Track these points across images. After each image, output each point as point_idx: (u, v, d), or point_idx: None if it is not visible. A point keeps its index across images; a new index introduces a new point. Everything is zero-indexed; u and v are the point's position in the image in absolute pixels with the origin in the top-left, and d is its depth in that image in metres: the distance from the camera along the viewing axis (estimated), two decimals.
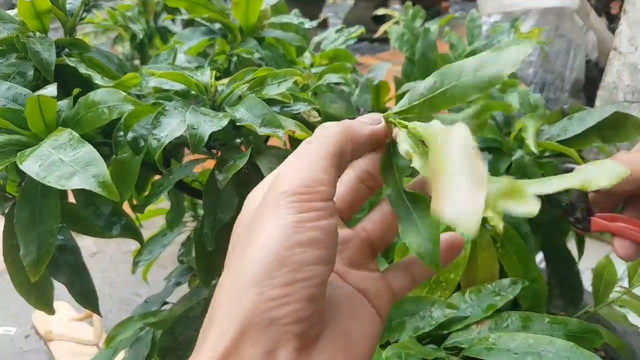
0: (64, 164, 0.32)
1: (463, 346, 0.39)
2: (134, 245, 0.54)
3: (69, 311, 1.24)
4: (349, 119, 0.27)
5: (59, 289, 0.44)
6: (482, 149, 0.48)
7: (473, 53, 0.82)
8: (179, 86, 0.42)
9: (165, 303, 0.64)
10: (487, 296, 0.42)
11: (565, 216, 0.42)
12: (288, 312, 0.23)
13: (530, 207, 0.19)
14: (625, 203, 0.40)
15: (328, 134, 0.27)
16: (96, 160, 0.32)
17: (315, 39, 0.73)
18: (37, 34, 0.46)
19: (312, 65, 0.65)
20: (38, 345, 1.19)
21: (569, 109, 0.47)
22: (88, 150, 0.33)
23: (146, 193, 0.49)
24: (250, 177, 0.44)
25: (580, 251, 0.50)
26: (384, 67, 0.68)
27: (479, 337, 0.39)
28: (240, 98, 0.43)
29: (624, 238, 0.38)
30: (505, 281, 0.42)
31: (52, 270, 0.44)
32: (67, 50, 0.47)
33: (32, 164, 0.32)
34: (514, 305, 0.45)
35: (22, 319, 1.25)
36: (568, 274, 0.51)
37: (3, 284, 1.35)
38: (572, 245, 0.51)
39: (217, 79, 0.45)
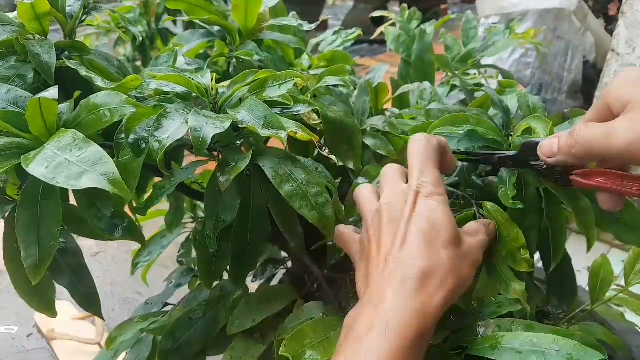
0: (71, 164, 0.31)
1: (466, 345, 0.40)
2: (135, 245, 0.54)
3: (71, 310, 1.24)
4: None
5: (61, 287, 0.44)
6: (482, 148, 0.49)
7: (469, 55, 0.82)
8: (179, 88, 0.42)
9: (166, 304, 0.64)
10: (491, 305, 0.43)
11: (543, 178, 0.43)
12: None
13: None
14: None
15: None
16: (104, 158, 0.32)
17: (313, 41, 0.73)
18: (37, 36, 0.46)
19: (310, 67, 0.65)
20: (40, 344, 1.19)
21: (570, 112, 0.47)
22: (95, 150, 0.32)
23: (146, 195, 0.49)
24: (251, 179, 0.44)
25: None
26: (382, 69, 0.68)
27: (483, 337, 0.39)
28: (241, 100, 0.43)
29: (605, 191, 0.39)
30: (509, 298, 0.43)
31: (54, 273, 0.44)
32: (67, 52, 0.47)
33: (38, 166, 0.32)
34: None
35: (24, 318, 1.25)
36: (562, 271, 0.51)
37: (5, 284, 1.35)
38: (569, 243, 0.51)
39: (217, 81, 0.45)
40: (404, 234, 0.38)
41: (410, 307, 0.35)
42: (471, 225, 0.44)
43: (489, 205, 0.46)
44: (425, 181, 0.40)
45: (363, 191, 0.45)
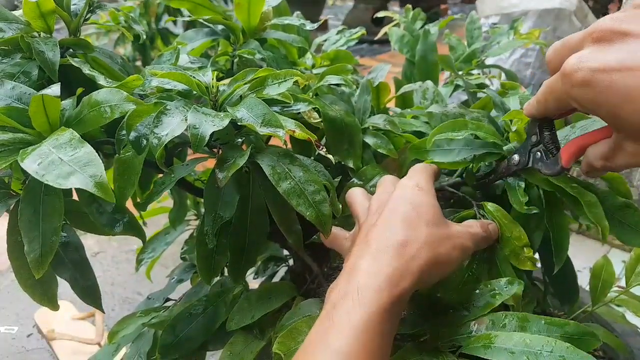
0: (63, 163, 0.32)
1: (460, 344, 0.40)
2: (135, 245, 0.55)
3: (71, 310, 1.25)
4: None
5: (62, 287, 0.45)
6: (484, 153, 0.49)
7: (473, 54, 0.82)
8: (180, 86, 0.43)
9: (168, 300, 0.64)
10: (484, 294, 0.43)
11: (536, 166, 0.43)
12: None
13: None
14: None
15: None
16: (94, 160, 0.32)
17: (317, 41, 0.74)
18: (42, 34, 0.47)
19: (313, 67, 0.66)
20: (40, 344, 1.20)
21: (572, 117, 0.47)
22: (87, 151, 0.33)
23: (149, 191, 0.50)
24: (250, 176, 0.44)
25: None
26: (384, 69, 0.68)
27: (476, 335, 0.39)
28: (241, 98, 0.43)
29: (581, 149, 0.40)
30: (502, 280, 0.43)
31: (56, 267, 0.45)
32: (71, 50, 0.48)
33: (31, 162, 0.32)
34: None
35: (24, 318, 1.26)
36: (564, 272, 0.51)
37: (5, 283, 1.36)
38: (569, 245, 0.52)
39: (220, 79, 0.45)
40: (387, 216, 0.40)
41: (383, 273, 0.36)
42: (466, 221, 0.45)
43: (489, 205, 0.46)
44: (414, 180, 0.44)
45: (355, 192, 0.48)
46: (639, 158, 0.34)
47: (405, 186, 0.43)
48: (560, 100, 0.36)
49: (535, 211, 0.45)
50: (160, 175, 0.48)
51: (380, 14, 0.98)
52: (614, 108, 0.32)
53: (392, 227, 0.39)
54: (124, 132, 0.39)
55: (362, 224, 0.43)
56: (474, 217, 0.47)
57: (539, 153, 0.43)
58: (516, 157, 0.45)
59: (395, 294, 0.36)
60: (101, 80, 0.42)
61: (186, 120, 0.36)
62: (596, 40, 0.32)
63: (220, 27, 0.61)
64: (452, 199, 0.54)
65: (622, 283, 0.60)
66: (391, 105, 0.72)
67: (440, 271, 0.40)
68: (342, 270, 0.40)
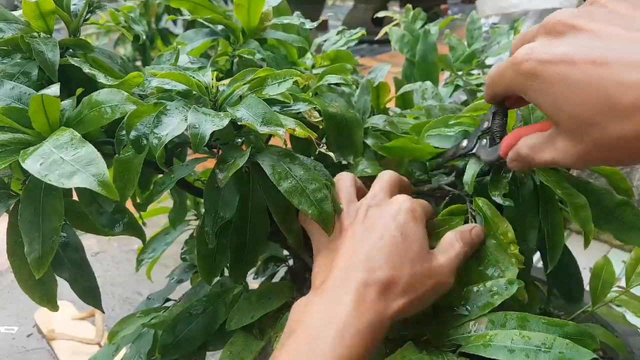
0: (65, 162, 0.32)
1: (460, 343, 0.40)
2: (135, 245, 0.55)
3: (71, 310, 1.25)
4: None
5: (62, 287, 0.45)
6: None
7: (473, 54, 0.82)
8: (180, 86, 0.43)
9: (168, 300, 0.64)
10: (484, 294, 0.43)
11: (478, 152, 0.44)
12: None
13: None
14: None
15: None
16: (97, 159, 0.32)
17: (317, 41, 0.74)
18: (42, 34, 0.47)
19: (313, 67, 0.66)
20: (40, 344, 1.19)
21: None
22: (89, 150, 0.33)
23: (149, 191, 0.50)
24: (250, 176, 0.44)
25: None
26: (384, 69, 0.68)
27: (476, 335, 0.39)
28: (240, 98, 0.43)
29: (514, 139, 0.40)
30: (502, 281, 0.43)
31: (56, 267, 0.44)
32: (70, 50, 0.48)
33: (33, 163, 0.32)
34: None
35: (24, 318, 1.26)
36: (568, 271, 0.51)
37: (5, 283, 1.36)
38: (570, 243, 0.51)
39: (220, 79, 0.45)
40: (377, 239, 0.40)
41: (366, 317, 0.37)
42: (447, 237, 0.44)
43: (479, 200, 0.46)
44: (410, 203, 0.43)
45: (345, 179, 0.48)
46: (566, 156, 0.34)
47: (400, 208, 0.43)
48: (508, 89, 0.36)
49: (507, 203, 0.45)
50: (160, 175, 0.48)
51: (380, 14, 0.98)
52: (556, 100, 0.32)
53: (380, 258, 0.39)
54: (123, 132, 0.39)
55: (346, 227, 0.43)
56: (466, 211, 0.47)
57: (484, 140, 0.44)
58: (465, 142, 0.46)
59: (376, 337, 0.37)
60: (101, 78, 0.42)
61: (186, 120, 0.37)
62: (548, 32, 0.33)
63: (220, 27, 0.61)
64: (448, 196, 0.54)
65: (622, 283, 0.60)
66: (391, 105, 0.72)
67: (416, 309, 0.40)
68: (319, 286, 0.40)
